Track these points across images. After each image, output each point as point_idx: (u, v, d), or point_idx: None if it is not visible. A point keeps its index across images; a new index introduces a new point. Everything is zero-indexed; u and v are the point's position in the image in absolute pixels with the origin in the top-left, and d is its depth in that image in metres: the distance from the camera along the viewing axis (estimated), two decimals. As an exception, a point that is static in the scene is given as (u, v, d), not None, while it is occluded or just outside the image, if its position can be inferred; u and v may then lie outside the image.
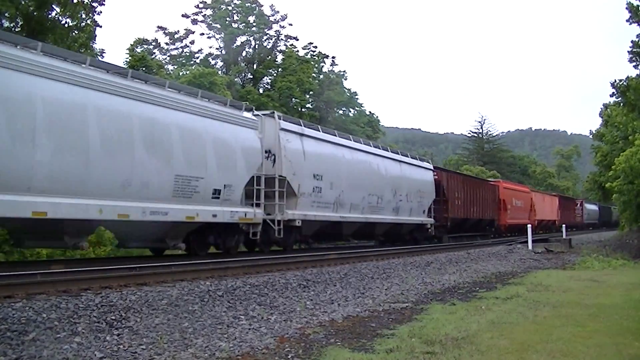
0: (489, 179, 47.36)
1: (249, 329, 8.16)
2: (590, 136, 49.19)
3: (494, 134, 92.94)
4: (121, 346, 6.74)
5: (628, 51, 24.42)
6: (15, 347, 6.27)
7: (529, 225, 30.83)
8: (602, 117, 45.30)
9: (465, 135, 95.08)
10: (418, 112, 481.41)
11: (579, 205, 66.15)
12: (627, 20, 24.13)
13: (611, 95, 27.19)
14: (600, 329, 8.46)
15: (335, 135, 21.11)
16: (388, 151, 25.13)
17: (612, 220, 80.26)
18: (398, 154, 25.93)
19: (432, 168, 28.87)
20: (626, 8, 24.21)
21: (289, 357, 6.81)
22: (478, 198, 34.22)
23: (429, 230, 27.85)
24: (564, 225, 42.16)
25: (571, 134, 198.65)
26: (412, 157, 27.58)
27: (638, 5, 23.80)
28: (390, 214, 24.07)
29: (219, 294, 9.85)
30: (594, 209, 73.33)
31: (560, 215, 55.56)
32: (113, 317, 7.68)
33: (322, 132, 20.34)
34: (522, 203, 43.80)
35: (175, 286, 9.90)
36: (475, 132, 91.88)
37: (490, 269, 18.79)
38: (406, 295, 12.16)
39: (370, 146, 23.45)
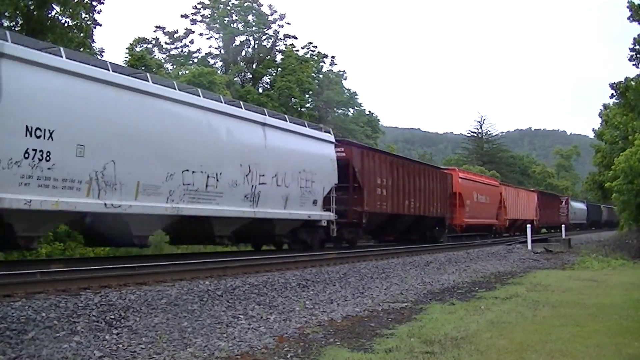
0: (442, 167, 37.40)
1: (248, 328, 8.16)
2: (593, 134, 49.14)
3: (493, 134, 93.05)
4: (120, 345, 6.75)
5: (630, 48, 24.40)
6: (15, 346, 6.27)
7: (529, 226, 30.75)
8: (601, 118, 45.33)
9: (465, 135, 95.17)
10: (417, 112, 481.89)
11: (564, 203, 59.08)
12: (628, 19, 24.13)
13: (611, 97, 27.21)
14: (599, 329, 8.46)
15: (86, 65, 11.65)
16: (242, 109, 16.00)
17: (603, 220, 76.33)
18: (264, 114, 16.80)
19: (333, 141, 20.09)
20: (627, 6, 24.22)
21: (288, 356, 6.81)
22: (419, 188, 25.93)
23: (331, 229, 19.30)
24: (563, 226, 41.83)
25: (571, 134, 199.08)
26: (295, 123, 18.65)
27: (639, 4, 23.80)
28: (240, 204, 15.35)
29: (218, 293, 9.85)
30: (581, 208, 67.13)
31: (540, 214, 49.06)
32: (112, 317, 7.68)
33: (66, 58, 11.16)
34: (487, 198, 35.94)
35: (174, 286, 9.90)
36: (474, 132, 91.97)
37: (490, 269, 18.80)
38: (405, 295, 12.17)
39: (199, 96, 14.50)
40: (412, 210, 25.27)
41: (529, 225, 30.89)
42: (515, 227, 43.55)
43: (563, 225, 42.23)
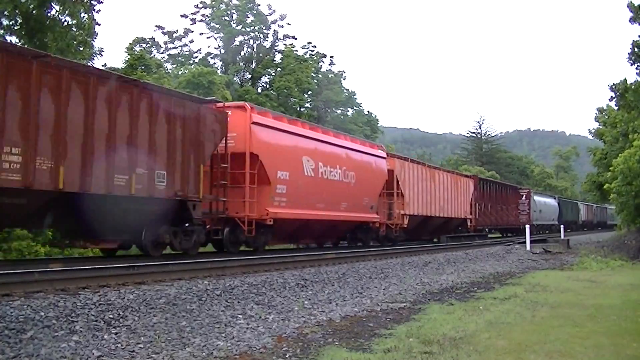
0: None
1: (247, 328, 8.16)
2: (591, 135, 49.14)
3: (492, 134, 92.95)
4: (119, 345, 6.75)
5: (629, 52, 24.39)
6: (13, 345, 6.27)
7: (527, 226, 30.72)
8: (597, 122, 45.44)
9: (464, 135, 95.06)
10: (417, 112, 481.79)
11: (524, 197, 45.37)
12: (630, 20, 24.13)
13: (610, 100, 27.19)
14: (598, 330, 8.47)
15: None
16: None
17: (581, 222, 65.02)
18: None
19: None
20: (627, 6, 24.22)
21: (287, 356, 6.81)
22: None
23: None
24: (562, 226, 40.99)
25: (570, 134, 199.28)
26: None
27: (639, 5, 23.77)
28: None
29: (217, 293, 9.84)
30: (550, 205, 52.72)
31: (479, 211, 35.60)
32: (111, 316, 7.67)
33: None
34: (348, 175, 20.91)
35: (173, 285, 9.89)
36: (473, 133, 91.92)
37: (488, 269, 18.82)
38: (404, 295, 12.18)
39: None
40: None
41: (527, 226, 30.86)
42: (432, 230, 30.48)
43: (562, 226, 41.17)
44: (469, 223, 33.84)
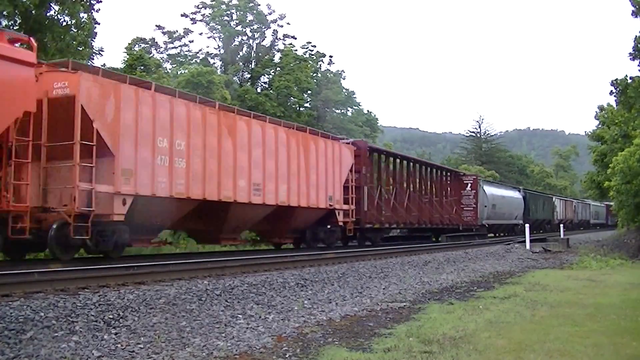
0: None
1: (247, 328, 8.16)
2: (588, 138, 49.10)
3: (492, 134, 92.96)
4: (119, 345, 6.74)
5: (633, 47, 24.38)
6: (13, 345, 6.27)
7: (527, 225, 30.64)
8: (597, 120, 45.37)
9: (464, 134, 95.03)
10: (416, 112, 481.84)
11: (469, 187, 34.05)
12: (632, 14, 24.16)
13: (610, 94, 27.18)
14: (597, 329, 8.46)
15: None
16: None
17: (557, 221, 50.50)
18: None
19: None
20: (630, 2, 24.23)
21: (287, 356, 6.81)
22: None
23: None
24: (561, 225, 39.27)
25: (569, 133, 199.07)
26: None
27: None
28: None
29: (217, 293, 9.84)
30: (510, 199, 41.00)
31: (370, 201, 23.12)
32: (111, 316, 7.67)
33: None
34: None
35: (173, 285, 9.89)
36: (473, 132, 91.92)
37: (488, 269, 18.82)
38: (404, 295, 12.18)
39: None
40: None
41: (527, 225, 30.68)
42: (220, 226, 16.52)
43: (561, 225, 39.21)
44: (339, 217, 20.97)
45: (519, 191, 44.87)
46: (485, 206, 35.27)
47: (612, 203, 61.81)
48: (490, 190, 37.20)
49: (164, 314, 8.23)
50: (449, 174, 34.18)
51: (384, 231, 25.83)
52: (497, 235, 39.99)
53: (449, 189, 33.14)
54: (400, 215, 25.92)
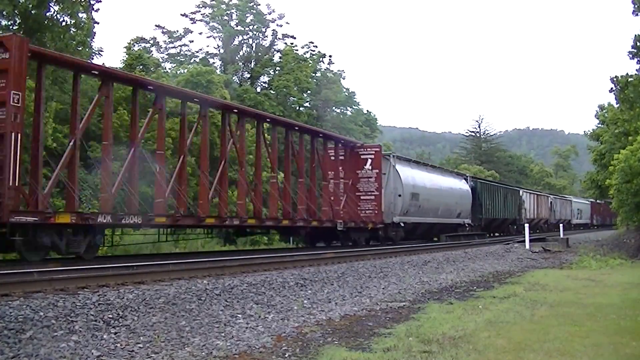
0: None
1: (246, 327, 8.16)
2: (588, 137, 49.07)
3: (491, 133, 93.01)
4: (118, 345, 6.74)
5: (632, 46, 24.38)
6: (13, 345, 6.26)
7: (527, 225, 30.67)
8: (597, 119, 45.36)
9: (463, 134, 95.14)
10: (416, 111, 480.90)
11: (369, 164, 23.45)
12: (633, 13, 24.18)
13: (610, 91, 27.17)
14: (597, 329, 8.47)
15: None
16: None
17: (526, 220, 39.32)
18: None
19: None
20: (631, 1, 24.25)
21: (286, 355, 6.81)
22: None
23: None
24: (561, 225, 39.75)
25: (569, 133, 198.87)
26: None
27: None
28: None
29: (216, 292, 9.84)
30: (448, 190, 30.41)
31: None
32: (110, 316, 7.67)
33: None
34: None
35: (172, 285, 9.88)
36: (472, 132, 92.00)
37: (488, 268, 18.83)
38: (403, 294, 12.18)
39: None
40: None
41: (526, 225, 30.73)
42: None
43: (561, 225, 39.50)
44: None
45: (466, 180, 34.25)
46: (400, 196, 24.16)
47: (600, 201, 60.98)
48: (408, 172, 25.54)
49: (163, 313, 8.23)
50: (340, 144, 23.18)
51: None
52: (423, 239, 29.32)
53: (340, 168, 22.80)
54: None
